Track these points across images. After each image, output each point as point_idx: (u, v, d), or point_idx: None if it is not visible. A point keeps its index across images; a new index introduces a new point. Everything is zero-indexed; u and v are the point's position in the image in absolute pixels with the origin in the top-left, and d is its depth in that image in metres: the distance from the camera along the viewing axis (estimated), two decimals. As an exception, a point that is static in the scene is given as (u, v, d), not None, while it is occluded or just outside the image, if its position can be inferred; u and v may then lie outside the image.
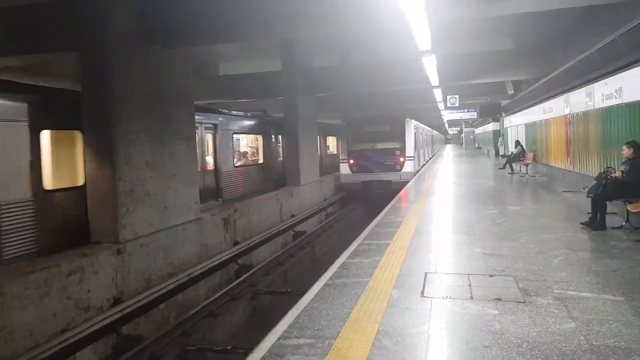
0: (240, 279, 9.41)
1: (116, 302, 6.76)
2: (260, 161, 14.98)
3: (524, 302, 4.53)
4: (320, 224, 15.60)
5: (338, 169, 19.31)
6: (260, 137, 15.06)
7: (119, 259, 6.91)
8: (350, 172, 18.70)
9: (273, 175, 15.54)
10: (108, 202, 7.02)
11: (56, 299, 5.86)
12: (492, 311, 4.33)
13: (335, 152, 22.64)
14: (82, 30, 7.06)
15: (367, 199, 18.71)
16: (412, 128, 19.08)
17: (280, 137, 16.12)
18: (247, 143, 15.26)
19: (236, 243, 10.42)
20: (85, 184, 7.34)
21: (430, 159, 32.74)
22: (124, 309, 6.68)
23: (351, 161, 18.64)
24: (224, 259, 9.57)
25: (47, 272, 5.78)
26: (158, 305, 7.49)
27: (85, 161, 7.18)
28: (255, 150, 15.29)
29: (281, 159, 16.31)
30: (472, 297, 4.70)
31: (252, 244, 10.90)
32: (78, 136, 7.52)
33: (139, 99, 7.45)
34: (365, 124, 18.90)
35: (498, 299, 4.62)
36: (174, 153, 8.33)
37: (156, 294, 7.38)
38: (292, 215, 13.85)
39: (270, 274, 10.34)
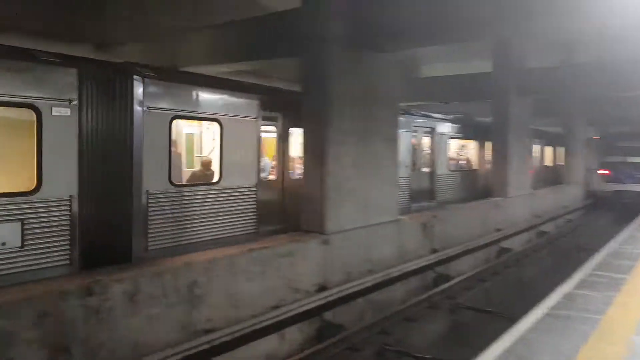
0: (439, 288, 9.53)
1: (321, 288, 7.55)
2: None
3: None
4: (530, 243, 14.66)
5: (555, 183, 18.68)
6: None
7: (325, 249, 7.72)
8: (603, 182, 22.80)
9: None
10: (317, 196, 7.92)
11: (272, 277, 6.88)
12: None
13: (551, 165, 21.88)
14: (303, 38, 8.14)
15: (592, 220, 18.72)
16: None
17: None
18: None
19: (434, 251, 10.52)
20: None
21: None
22: (328, 296, 7.41)
23: (605, 171, 22.70)
24: (421, 264, 9.77)
25: (267, 252, 6.84)
26: (356, 299, 8.08)
27: (302, 156, 8.28)
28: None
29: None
30: None
31: (451, 254, 10.86)
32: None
33: (348, 102, 8.21)
34: (619, 138, 23.62)
35: None
36: (377, 154, 8.90)
37: (356, 288, 7.98)
38: (497, 230, 13.31)
39: (471, 289, 10.18)
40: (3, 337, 4.20)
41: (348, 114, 8.20)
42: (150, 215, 6.89)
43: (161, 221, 7.02)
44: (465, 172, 15.26)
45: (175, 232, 7.20)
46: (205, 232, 7.60)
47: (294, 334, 7.08)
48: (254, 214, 8.37)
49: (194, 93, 7.67)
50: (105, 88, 6.57)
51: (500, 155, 14.10)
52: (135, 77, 6.77)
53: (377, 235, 8.82)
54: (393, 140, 9.40)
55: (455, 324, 9.05)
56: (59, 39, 9.15)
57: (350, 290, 7.87)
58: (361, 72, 8.43)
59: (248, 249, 6.67)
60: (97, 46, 9.85)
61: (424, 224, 10.26)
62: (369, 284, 8.29)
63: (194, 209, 7.48)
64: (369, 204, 8.70)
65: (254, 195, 8.36)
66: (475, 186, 15.21)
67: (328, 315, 7.47)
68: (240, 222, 8.13)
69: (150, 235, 6.89)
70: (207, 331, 5.92)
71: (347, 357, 6.87)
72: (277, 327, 6.67)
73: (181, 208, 7.31)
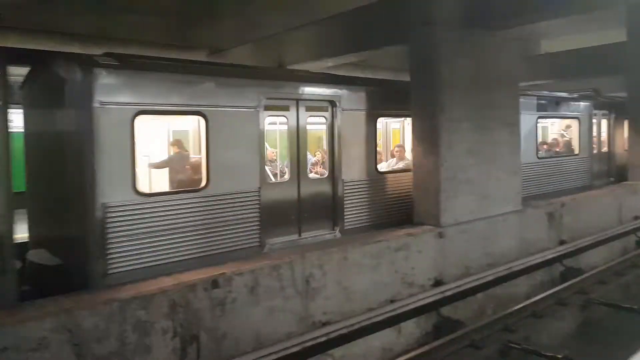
0: (568, 283, 8.81)
1: (437, 283, 7.32)
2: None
3: None
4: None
5: None
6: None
7: (440, 242, 7.46)
8: None
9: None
10: (431, 187, 7.66)
11: (386, 270, 6.80)
12: None
13: None
14: (411, 23, 7.89)
15: None
16: None
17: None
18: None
19: (562, 242, 9.73)
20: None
21: None
22: (445, 291, 7.16)
23: None
24: (547, 257, 9.09)
25: (380, 246, 6.77)
26: (475, 294, 7.71)
27: (412, 147, 8.03)
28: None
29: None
30: None
31: (581, 245, 9.96)
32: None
33: (461, 86, 7.82)
34: None
35: None
36: (496, 140, 8.40)
37: (475, 282, 7.62)
38: (636, 217, 11.93)
39: (606, 283, 9.27)
40: (141, 326, 4.60)
41: (461, 99, 7.83)
42: (110, 233, 5.70)
43: (125, 239, 5.80)
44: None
45: (146, 250, 5.99)
46: (187, 249, 6.32)
47: (411, 329, 6.94)
48: (256, 224, 6.96)
49: (167, 82, 6.28)
50: (45, 83, 5.80)
51: (638, 133, 12.60)
52: (82, 66, 5.71)
53: (498, 227, 8.35)
54: (514, 125, 8.80)
55: (588, 321, 8.31)
56: (174, 47, 9.85)
57: (469, 285, 7.53)
58: (474, 53, 7.99)
59: (361, 243, 6.64)
60: (210, 52, 10.43)
61: (550, 213, 9.52)
62: (489, 278, 7.87)
63: (171, 221, 6.20)
64: (488, 194, 8.26)
65: (255, 202, 6.96)
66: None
67: (445, 310, 7.21)
68: (235, 235, 6.77)
69: (110, 257, 5.71)
70: (324, 323, 6.01)
71: (469, 355, 6.56)
72: (393, 321, 6.58)
73: (154, 222, 6.04)
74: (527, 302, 7.92)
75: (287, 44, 10.49)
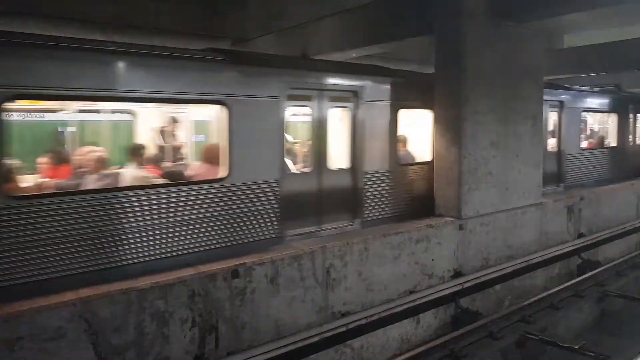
0: (585, 275, 8.28)
1: (456, 274, 6.86)
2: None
3: None
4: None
5: None
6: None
7: (460, 234, 6.97)
8: None
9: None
10: (453, 179, 7.13)
11: (406, 261, 6.34)
12: None
13: None
14: (437, 15, 7.31)
15: None
16: None
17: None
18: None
19: (580, 235, 9.16)
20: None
21: None
22: (464, 282, 6.72)
23: None
24: (565, 250, 8.56)
25: (400, 237, 6.30)
26: (494, 286, 7.25)
27: (433, 139, 7.48)
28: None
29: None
30: None
31: (599, 238, 9.39)
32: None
33: (486, 78, 7.26)
34: None
35: None
36: (519, 133, 7.81)
37: (494, 274, 7.16)
38: (655, 211, 11.23)
39: (623, 276, 8.76)
40: (160, 316, 4.25)
41: (485, 91, 7.25)
42: None
43: None
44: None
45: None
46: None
47: (429, 320, 6.52)
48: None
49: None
50: None
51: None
52: None
53: (518, 220, 7.80)
54: (537, 117, 8.18)
55: (605, 312, 7.95)
56: (199, 37, 9.27)
57: (488, 277, 7.08)
58: (499, 45, 7.39)
59: (382, 234, 6.18)
60: (234, 41, 9.91)
61: (570, 206, 8.93)
62: (508, 270, 7.39)
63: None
64: (509, 186, 7.70)
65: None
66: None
67: (464, 301, 6.75)
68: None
69: None
70: (343, 314, 5.62)
71: (486, 345, 6.14)
72: (412, 312, 6.18)
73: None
74: (545, 293, 7.49)
75: (311, 34, 9.94)
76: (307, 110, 6.71)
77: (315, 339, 5.12)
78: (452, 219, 7.00)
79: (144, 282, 4.24)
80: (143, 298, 4.16)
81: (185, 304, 4.41)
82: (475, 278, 6.90)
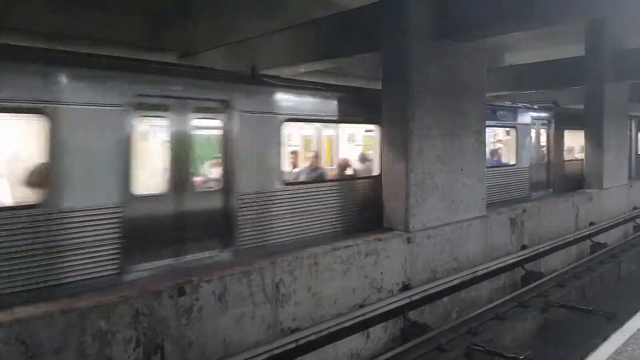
0: (529, 286, 8.81)
1: (405, 287, 7.15)
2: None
3: None
4: (626, 238, 13.25)
5: None
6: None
7: (408, 247, 7.30)
8: None
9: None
10: (400, 193, 7.48)
11: (355, 275, 6.58)
12: None
13: None
14: (383, 33, 7.71)
15: None
16: None
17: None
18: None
19: (523, 247, 9.75)
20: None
21: None
22: (412, 295, 6.99)
23: None
24: (510, 261, 9.06)
25: (350, 251, 6.54)
26: (442, 298, 7.59)
27: (381, 153, 7.85)
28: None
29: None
30: None
31: (541, 249, 10.00)
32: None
33: (432, 93, 7.69)
34: None
35: None
36: (464, 147, 8.30)
37: (441, 287, 7.47)
38: (591, 223, 12.11)
39: (564, 286, 9.34)
40: (102, 336, 4.24)
41: (431, 107, 7.69)
42: None
43: None
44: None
45: None
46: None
47: (379, 333, 6.76)
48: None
49: None
50: None
51: (595, 144, 12.83)
52: None
53: (463, 232, 8.24)
54: (480, 133, 8.72)
55: (548, 322, 8.39)
56: (145, 49, 9.30)
57: (436, 290, 7.38)
58: (444, 63, 7.88)
59: (332, 248, 6.41)
60: (181, 54, 9.97)
61: (513, 219, 9.51)
62: (455, 282, 7.76)
63: None
64: (455, 199, 8.15)
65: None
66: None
67: (413, 314, 7.05)
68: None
69: None
70: (293, 330, 5.75)
71: (435, 358, 6.43)
72: (361, 326, 6.36)
73: None
74: (491, 305, 7.89)
75: (260, 48, 10.18)
76: (163, 122, 6.02)
77: (264, 356, 5.20)
78: (400, 232, 7.33)
79: (86, 301, 4.23)
80: (84, 318, 4.15)
81: (130, 323, 4.42)
82: (424, 291, 7.18)
